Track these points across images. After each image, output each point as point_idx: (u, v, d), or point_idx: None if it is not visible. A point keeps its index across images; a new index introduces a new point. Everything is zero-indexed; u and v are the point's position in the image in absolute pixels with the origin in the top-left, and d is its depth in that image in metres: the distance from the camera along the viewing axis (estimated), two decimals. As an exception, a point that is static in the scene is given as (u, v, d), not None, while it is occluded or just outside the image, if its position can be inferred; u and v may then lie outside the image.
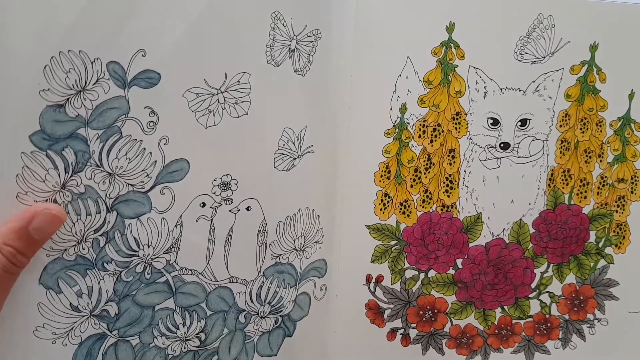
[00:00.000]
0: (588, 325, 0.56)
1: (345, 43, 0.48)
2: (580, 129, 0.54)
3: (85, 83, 0.39)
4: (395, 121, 0.51)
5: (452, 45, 0.51)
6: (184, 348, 0.45)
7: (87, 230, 0.40)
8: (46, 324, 0.40)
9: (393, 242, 0.53)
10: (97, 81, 0.39)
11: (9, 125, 0.37)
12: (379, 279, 0.53)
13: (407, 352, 0.54)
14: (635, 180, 0.55)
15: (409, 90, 0.51)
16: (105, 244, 0.41)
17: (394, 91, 0.50)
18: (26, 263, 0.38)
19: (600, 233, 0.55)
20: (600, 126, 0.54)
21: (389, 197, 0.52)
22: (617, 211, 0.55)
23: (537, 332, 0.56)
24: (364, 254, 0.52)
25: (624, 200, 0.55)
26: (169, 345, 0.44)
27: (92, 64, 0.39)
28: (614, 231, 0.55)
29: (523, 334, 0.56)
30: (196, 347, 0.46)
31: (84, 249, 0.41)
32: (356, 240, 0.52)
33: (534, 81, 0.52)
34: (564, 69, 0.52)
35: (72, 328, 0.41)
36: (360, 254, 0.52)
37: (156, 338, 0.44)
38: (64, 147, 0.39)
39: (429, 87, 0.51)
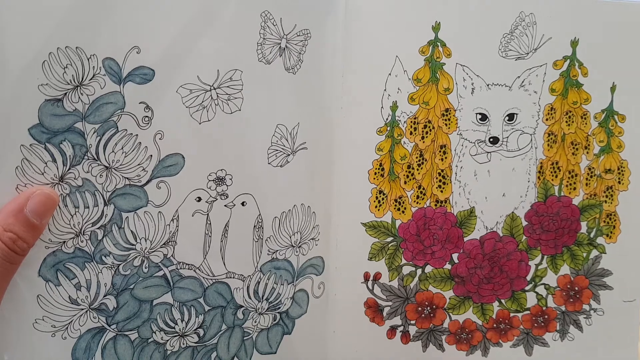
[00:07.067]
0: (584, 316, 0.56)
1: (336, 43, 0.49)
2: (566, 121, 0.55)
3: (82, 78, 0.40)
4: (387, 119, 0.52)
5: (438, 44, 0.52)
6: (183, 344, 0.45)
7: (85, 223, 0.41)
8: (45, 316, 0.40)
9: (389, 239, 0.53)
10: (93, 77, 0.40)
11: (8, 119, 0.38)
12: (377, 277, 0.53)
13: (407, 349, 0.54)
14: (622, 171, 0.56)
15: (399, 89, 0.52)
16: (103, 237, 0.42)
17: (385, 90, 0.52)
18: (27, 251, 0.38)
19: (591, 223, 0.56)
20: (585, 119, 0.55)
21: (384, 194, 0.53)
22: (606, 201, 0.56)
23: (535, 324, 0.56)
24: (360, 252, 0.52)
25: (612, 191, 0.56)
26: (167, 340, 0.44)
27: (88, 60, 0.40)
28: (604, 221, 0.56)
29: (521, 327, 0.56)
30: (195, 343, 0.45)
31: (82, 241, 0.41)
32: (353, 238, 0.52)
33: (519, 77, 0.53)
34: (547, 64, 0.54)
35: (71, 321, 0.41)
36: (357, 251, 0.52)
37: (155, 333, 0.44)
38: (62, 140, 0.40)
39: (418, 85, 0.52)
